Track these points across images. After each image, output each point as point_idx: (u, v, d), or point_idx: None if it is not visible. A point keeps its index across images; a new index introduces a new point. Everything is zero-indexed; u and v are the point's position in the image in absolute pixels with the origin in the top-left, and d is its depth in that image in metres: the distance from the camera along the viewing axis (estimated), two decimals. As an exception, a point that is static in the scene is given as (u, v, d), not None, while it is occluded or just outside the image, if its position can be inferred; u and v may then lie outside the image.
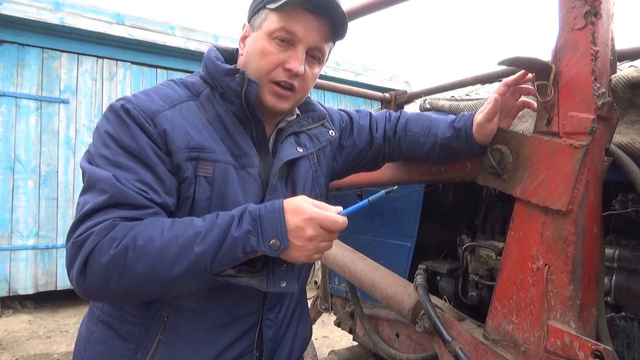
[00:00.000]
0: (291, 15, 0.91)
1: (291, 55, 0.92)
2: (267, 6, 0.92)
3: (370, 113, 1.30)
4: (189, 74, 1.02)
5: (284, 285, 0.85)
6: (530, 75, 1.00)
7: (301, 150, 1.05)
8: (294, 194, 1.02)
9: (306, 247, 0.80)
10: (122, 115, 0.84)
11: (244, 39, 1.00)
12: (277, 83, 0.94)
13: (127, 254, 0.74)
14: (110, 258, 0.74)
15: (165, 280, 0.76)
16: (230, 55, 1.04)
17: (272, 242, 0.78)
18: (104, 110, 0.88)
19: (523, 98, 1.08)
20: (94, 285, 0.76)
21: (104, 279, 0.75)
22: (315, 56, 0.97)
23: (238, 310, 0.95)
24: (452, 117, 1.16)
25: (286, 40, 0.92)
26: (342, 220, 0.82)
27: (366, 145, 1.25)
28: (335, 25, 0.96)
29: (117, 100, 0.87)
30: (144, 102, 0.87)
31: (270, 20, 0.92)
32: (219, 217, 0.80)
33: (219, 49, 1.02)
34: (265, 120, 0.98)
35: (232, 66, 0.96)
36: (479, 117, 1.05)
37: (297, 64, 0.92)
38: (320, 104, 1.18)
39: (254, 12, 0.96)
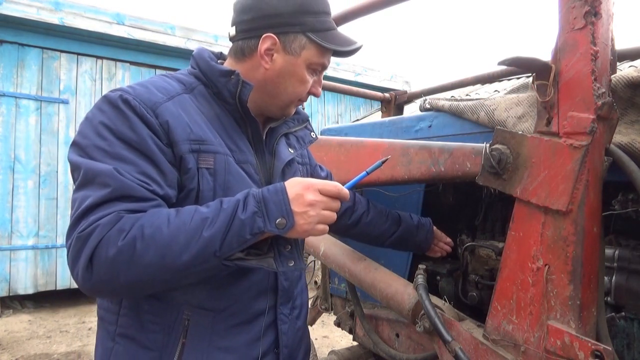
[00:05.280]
0: (326, 49, 0.98)
1: (317, 81, 1.03)
2: (310, 35, 0.95)
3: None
4: (177, 71, 1.01)
5: (292, 264, 0.89)
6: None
7: (292, 152, 1.10)
8: None
9: (308, 213, 0.83)
10: (120, 106, 0.82)
11: (269, 51, 0.95)
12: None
13: (136, 244, 0.73)
14: (119, 250, 0.72)
15: (175, 268, 0.76)
16: (218, 58, 1.04)
17: (278, 221, 0.81)
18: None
19: None
20: (102, 278, 0.74)
21: (112, 271, 0.73)
22: None
23: (256, 306, 0.96)
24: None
25: (318, 71, 1.02)
26: (341, 186, 0.88)
27: None
28: None
29: (112, 91, 0.85)
30: (144, 93, 0.85)
31: (312, 52, 0.97)
32: (223, 202, 0.82)
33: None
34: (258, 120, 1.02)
35: (226, 68, 0.96)
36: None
37: (320, 89, 1.05)
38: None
39: (285, 28, 0.94)
